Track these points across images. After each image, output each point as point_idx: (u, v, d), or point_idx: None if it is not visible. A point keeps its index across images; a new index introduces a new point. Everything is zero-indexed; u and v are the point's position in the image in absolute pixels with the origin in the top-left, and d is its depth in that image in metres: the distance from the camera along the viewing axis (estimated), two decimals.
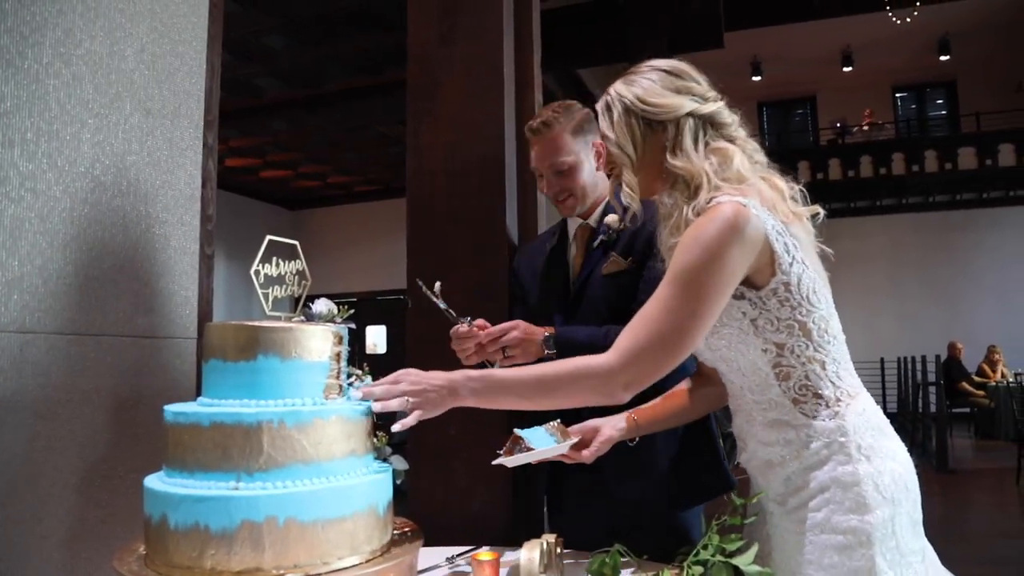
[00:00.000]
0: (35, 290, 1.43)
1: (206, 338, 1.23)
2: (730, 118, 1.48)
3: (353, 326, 1.40)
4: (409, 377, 1.32)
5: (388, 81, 7.84)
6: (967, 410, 11.37)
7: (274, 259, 1.29)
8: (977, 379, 11.43)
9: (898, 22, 11.71)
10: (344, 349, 1.28)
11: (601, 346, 1.38)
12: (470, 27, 2.27)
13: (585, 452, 1.54)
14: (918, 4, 10.84)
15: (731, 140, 1.46)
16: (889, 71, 15.46)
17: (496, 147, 2.21)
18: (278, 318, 1.27)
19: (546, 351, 1.76)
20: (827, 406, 1.36)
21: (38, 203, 1.45)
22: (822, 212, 1.46)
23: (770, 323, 1.36)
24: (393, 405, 1.27)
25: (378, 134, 9.98)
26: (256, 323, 1.19)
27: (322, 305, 1.40)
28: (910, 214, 13.98)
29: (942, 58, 14.61)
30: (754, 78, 15.30)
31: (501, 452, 1.52)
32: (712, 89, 1.50)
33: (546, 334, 1.78)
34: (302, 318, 1.36)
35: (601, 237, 1.90)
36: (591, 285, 1.88)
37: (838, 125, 15.32)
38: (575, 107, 1.97)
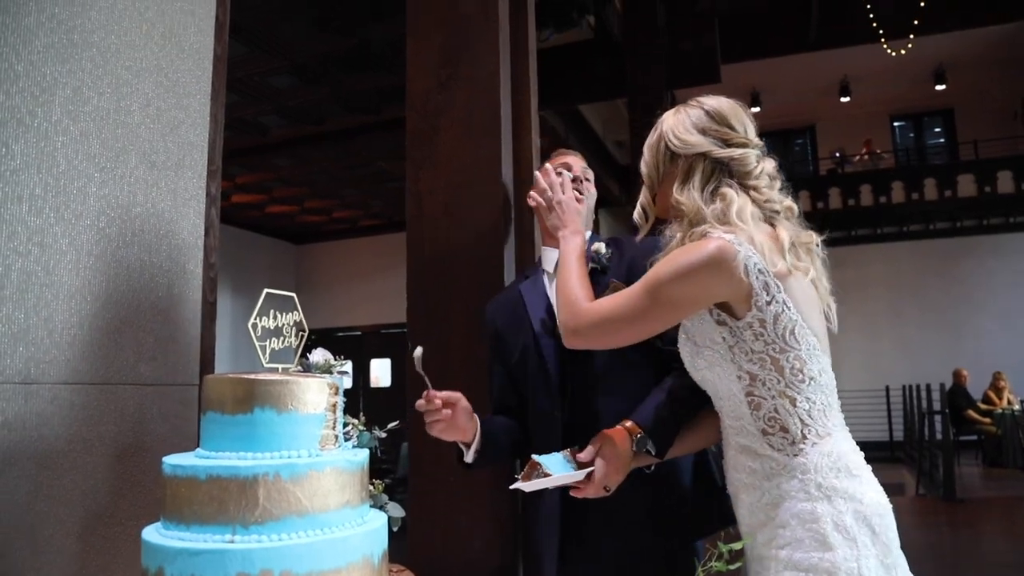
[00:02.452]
0: (40, 342, 1.46)
1: (204, 391, 1.25)
2: (754, 166, 1.55)
3: (349, 374, 1.42)
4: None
5: (389, 119, 7.97)
6: (974, 438, 11.28)
7: (271, 311, 1.32)
8: (983, 406, 11.36)
9: (893, 54, 11.85)
10: (340, 400, 1.31)
11: (681, 411, 1.64)
12: (468, 74, 2.33)
13: (596, 476, 1.58)
14: (912, 36, 10.98)
15: (748, 187, 1.53)
16: (887, 101, 15.62)
17: (494, 191, 2.25)
18: (276, 369, 1.30)
19: (644, 448, 1.64)
20: (792, 443, 1.42)
21: (44, 256, 1.49)
22: (817, 238, 1.54)
23: (744, 353, 1.44)
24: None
25: (381, 170, 10.10)
26: (253, 376, 1.21)
27: (319, 355, 1.43)
28: (911, 242, 14.02)
29: (938, 87, 14.76)
30: (754, 109, 15.45)
31: (519, 477, 1.58)
32: (750, 136, 1.58)
33: (637, 436, 1.63)
34: (300, 368, 1.38)
35: (592, 265, 1.87)
36: None
37: (837, 154, 15.43)
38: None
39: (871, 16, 11.04)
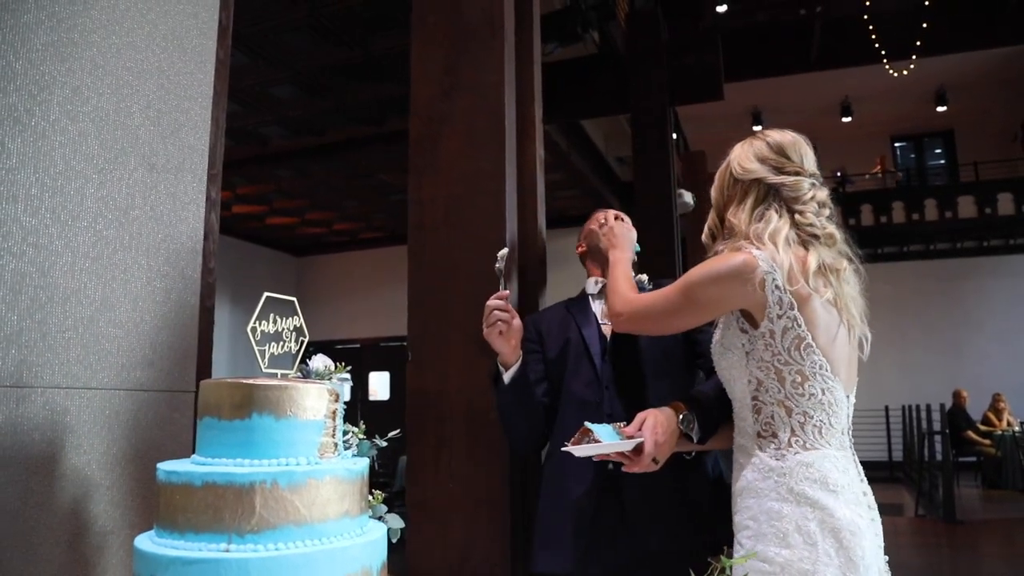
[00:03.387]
0: (33, 344, 1.43)
1: (201, 396, 1.22)
2: (805, 192, 1.68)
3: (350, 381, 1.39)
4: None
5: (391, 131, 7.96)
6: (973, 459, 11.22)
7: (271, 315, 1.29)
8: (983, 427, 11.30)
9: (895, 75, 11.91)
10: (340, 407, 1.27)
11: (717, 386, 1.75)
12: (472, 83, 2.31)
13: (646, 447, 1.63)
14: (914, 58, 11.03)
15: (794, 211, 1.66)
16: (888, 121, 15.69)
17: (497, 200, 2.23)
18: (274, 375, 1.27)
19: (690, 427, 1.75)
20: (777, 447, 1.55)
21: (39, 257, 1.46)
22: (848, 265, 1.66)
23: (756, 360, 1.59)
24: None
25: (382, 182, 10.09)
26: (250, 381, 1.18)
27: (319, 361, 1.40)
28: (911, 262, 14.02)
29: (939, 109, 14.83)
30: (756, 127, 15.51)
31: (568, 442, 1.63)
32: (806, 166, 1.71)
33: (683, 414, 1.74)
34: (299, 374, 1.35)
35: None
36: (636, 345, 1.99)
37: (839, 174, 15.47)
38: None
39: (873, 37, 11.12)
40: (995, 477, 10.58)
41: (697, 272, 1.64)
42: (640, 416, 1.68)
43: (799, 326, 1.55)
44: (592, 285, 2.17)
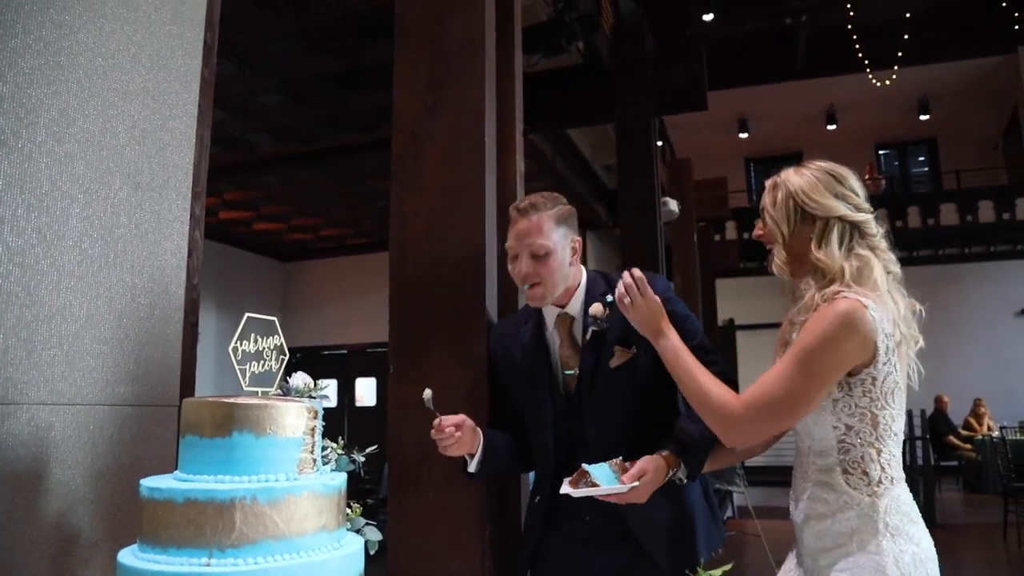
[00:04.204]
0: (19, 362, 1.46)
1: (183, 414, 1.26)
2: (876, 230, 1.67)
3: (328, 398, 1.43)
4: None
5: (379, 139, 7.99)
6: (954, 463, 11.34)
7: (253, 335, 1.33)
8: (964, 432, 11.44)
9: (878, 84, 12.05)
10: (319, 424, 1.31)
11: (712, 437, 1.70)
12: (454, 100, 2.36)
13: (639, 495, 1.70)
14: (896, 67, 11.18)
15: (872, 249, 1.65)
16: (872, 129, 15.86)
17: (478, 216, 2.27)
18: (255, 393, 1.31)
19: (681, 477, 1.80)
20: (868, 484, 1.56)
21: (25, 277, 1.49)
22: (919, 307, 1.71)
23: (847, 407, 1.57)
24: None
25: (370, 189, 10.11)
26: (231, 400, 1.22)
27: (299, 379, 1.44)
28: None
29: (922, 117, 15.01)
30: (741, 135, 15.65)
31: (565, 482, 1.71)
32: (866, 201, 1.69)
33: (672, 471, 1.78)
34: (280, 392, 1.39)
35: (592, 328, 1.93)
36: (601, 381, 1.92)
37: None
38: (561, 200, 2.01)
39: (857, 46, 11.26)
40: (976, 481, 10.70)
41: (810, 341, 1.54)
42: (640, 467, 1.73)
43: (896, 371, 1.57)
44: (549, 315, 2.04)
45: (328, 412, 1.39)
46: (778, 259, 1.70)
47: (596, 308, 1.92)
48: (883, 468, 1.56)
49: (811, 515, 1.62)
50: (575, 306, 1.99)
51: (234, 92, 7.21)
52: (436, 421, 1.78)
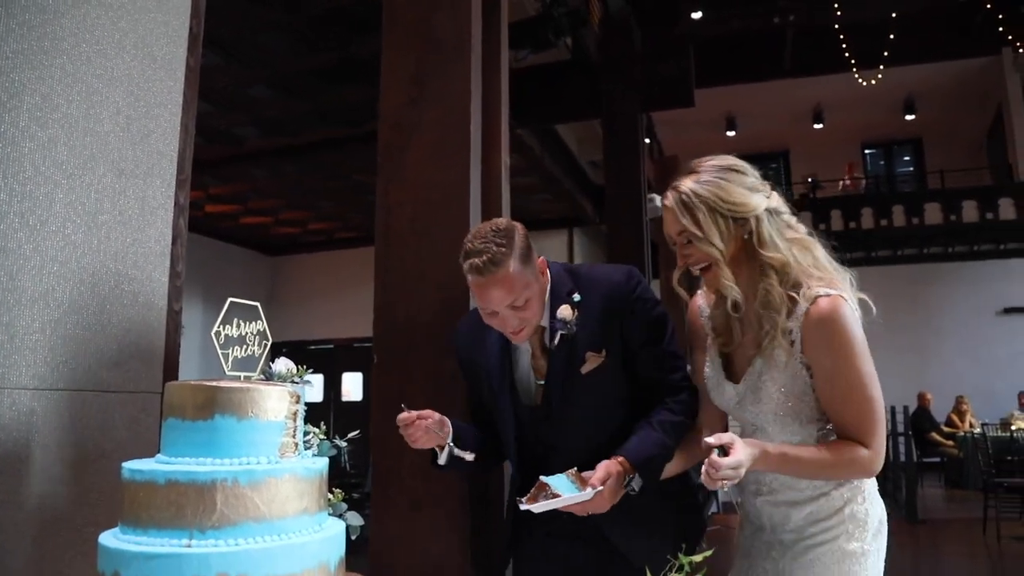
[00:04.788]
0: (1, 347, 1.46)
1: (165, 397, 1.27)
2: (784, 206, 1.70)
3: (311, 383, 1.44)
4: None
5: (367, 132, 7.97)
6: (937, 460, 11.47)
7: (235, 320, 1.34)
8: (946, 429, 11.57)
9: (864, 83, 12.13)
10: (301, 408, 1.32)
11: (672, 446, 1.75)
12: (439, 93, 2.37)
13: (603, 500, 1.66)
14: (882, 67, 11.26)
15: (791, 225, 1.69)
16: (859, 128, 15.98)
17: (462, 209, 2.29)
18: (237, 377, 1.32)
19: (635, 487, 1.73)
20: None
21: (7, 261, 1.49)
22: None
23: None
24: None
25: (357, 183, 10.09)
26: (213, 383, 1.23)
27: (282, 364, 1.45)
28: (879, 267, 14.27)
29: (908, 117, 15.14)
30: (729, 132, 15.72)
31: (523, 500, 1.62)
32: (761, 179, 1.71)
33: (628, 477, 1.71)
34: (262, 377, 1.40)
35: (561, 332, 1.82)
36: (572, 386, 1.83)
37: (810, 180, 15.71)
38: (513, 231, 1.78)
39: (844, 46, 11.33)
40: (957, 477, 10.82)
41: (856, 358, 1.62)
42: (604, 471, 1.66)
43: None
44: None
45: (314, 406, 1.39)
46: (724, 278, 1.65)
47: (564, 311, 1.81)
48: None
49: (798, 500, 1.72)
50: (543, 315, 1.85)
51: (221, 85, 7.18)
52: (402, 415, 1.71)
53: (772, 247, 1.63)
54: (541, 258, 1.84)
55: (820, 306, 1.59)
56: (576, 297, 1.81)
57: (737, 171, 1.67)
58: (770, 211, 1.65)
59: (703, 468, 1.51)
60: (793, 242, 1.65)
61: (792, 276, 1.63)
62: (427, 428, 1.72)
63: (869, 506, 1.71)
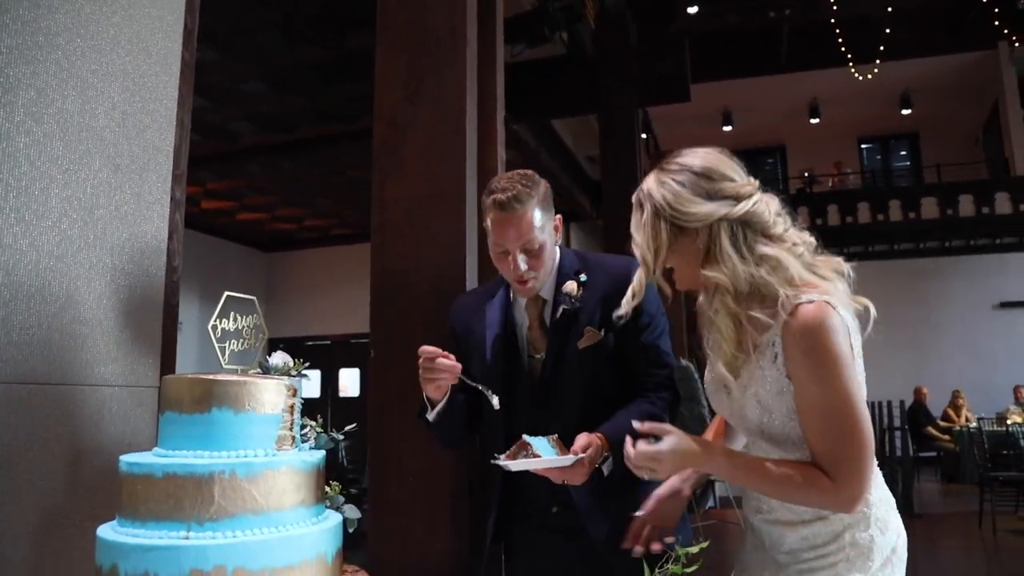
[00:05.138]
0: None
1: (163, 391, 1.27)
2: (768, 214, 1.47)
3: (308, 377, 1.45)
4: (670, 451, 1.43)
5: (362, 128, 7.95)
6: (933, 454, 11.50)
7: (232, 313, 1.34)
8: (943, 423, 11.60)
9: (860, 78, 12.14)
10: (298, 401, 1.33)
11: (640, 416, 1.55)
12: (435, 88, 2.37)
13: (584, 466, 1.61)
14: (878, 61, 11.27)
15: (773, 238, 1.46)
16: (855, 123, 16.00)
17: (458, 204, 2.29)
18: (235, 370, 1.32)
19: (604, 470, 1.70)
20: None
21: (4, 256, 1.49)
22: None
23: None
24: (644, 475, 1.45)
25: (354, 179, 10.08)
26: (210, 376, 1.23)
27: (278, 358, 1.45)
28: (875, 262, 14.29)
29: (904, 112, 15.15)
30: (725, 128, 15.72)
31: (501, 456, 1.58)
32: (748, 181, 1.50)
33: (604, 455, 1.68)
34: (259, 370, 1.40)
35: (563, 307, 1.84)
36: (566, 361, 1.83)
37: (806, 174, 15.72)
38: (535, 177, 1.85)
39: (839, 40, 11.34)
40: (954, 471, 10.86)
41: (833, 368, 1.38)
42: (585, 440, 1.64)
43: (858, 357, 1.52)
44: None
45: (311, 402, 1.40)
46: (634, 286, 1.61)
47: (570, 286, 1.84)
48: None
49: (794, 520, 1.54)
50: (547, 288, 1.88)
51: (217, 80, 7.17)
52: (425, 346, 1.70)
53: (720, 264, 1.43)
54: (559, 216, 1.88)
55: (802, 314, 1.38)
56: (583, 277, 1.85)
57: (700, 175, 1.47)
58: (735, 221, 1.44)
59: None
60: (763, 259, 1.44)
61: (757, 293, 1.44)
62: (451, 367, 1.69)
63: (876, 533, 1.49)
